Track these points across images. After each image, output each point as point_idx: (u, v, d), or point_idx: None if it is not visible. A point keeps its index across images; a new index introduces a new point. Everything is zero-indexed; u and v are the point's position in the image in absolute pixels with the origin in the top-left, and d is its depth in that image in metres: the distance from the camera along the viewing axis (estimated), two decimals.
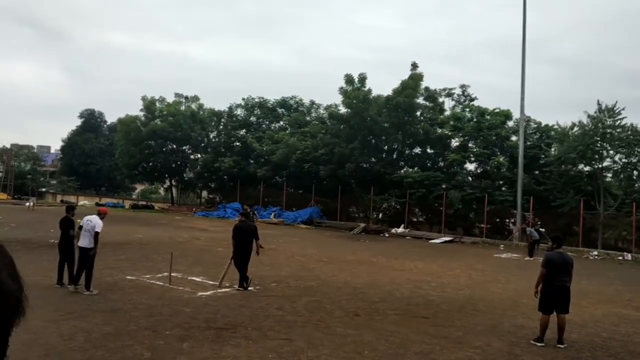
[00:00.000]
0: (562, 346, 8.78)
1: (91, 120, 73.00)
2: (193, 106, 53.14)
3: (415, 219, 39.38)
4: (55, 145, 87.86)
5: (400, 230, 35.21)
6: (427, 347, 8.41)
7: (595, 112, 31.18)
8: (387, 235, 34.09)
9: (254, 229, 12.81)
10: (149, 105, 51.61)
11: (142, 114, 52.12)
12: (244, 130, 50.76)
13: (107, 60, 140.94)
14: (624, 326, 10.85)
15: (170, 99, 52.98)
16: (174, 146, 52.91)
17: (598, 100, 31.38)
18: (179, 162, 53.64)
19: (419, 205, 38.03)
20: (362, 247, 25.55)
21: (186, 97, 53.52)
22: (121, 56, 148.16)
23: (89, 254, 11.04)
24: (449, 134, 38.48)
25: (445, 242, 31.38)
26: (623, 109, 30.48)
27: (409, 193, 36.50)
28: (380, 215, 40.47)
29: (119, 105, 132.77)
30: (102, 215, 11.60)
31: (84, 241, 11.13)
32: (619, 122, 30.62)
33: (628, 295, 14.93)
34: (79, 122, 72.81)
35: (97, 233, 11.14)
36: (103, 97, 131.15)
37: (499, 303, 12.62)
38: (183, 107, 52.58)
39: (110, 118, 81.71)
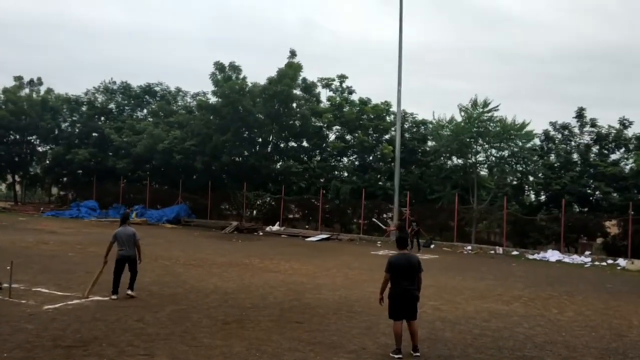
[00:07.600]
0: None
1: None
2: (36, 92, 49.71)
3: (291, 216, 39.87)
4: None
5: (276, 228, 35.48)
6: (300, 354, 8.55)
7: (469, 106, 33.29)
8: (261, 233, 34.19)
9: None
10: None
11: None
12: (102, 118, 48.26)
13: None
14: (494, 321, 11.72)
15: (9, 83, 49.27)
16: (17, 137, 49.27)
17: (474, 96, 33.60)
18: (23, 155, 50.02)
19: (295, 202, 38.54)
20: (234, 247, 25.42)
21: (30, 81, 49.94)
22: None
23: None
24: (327, 123, 39.30)
25: (322, 239, 32.07)
26: (497, 107, 32.87)
27: (285, 188, 36.89)
28: (255, 212, 40.48)
29: None
30: None
31: None
32: (491, 116, 32.91)
33: (499, 290, 16.15)
34: None
35: None
36: None
37: (375, 303, 13.03)
38: (26, 92, 49.09)
39: None
